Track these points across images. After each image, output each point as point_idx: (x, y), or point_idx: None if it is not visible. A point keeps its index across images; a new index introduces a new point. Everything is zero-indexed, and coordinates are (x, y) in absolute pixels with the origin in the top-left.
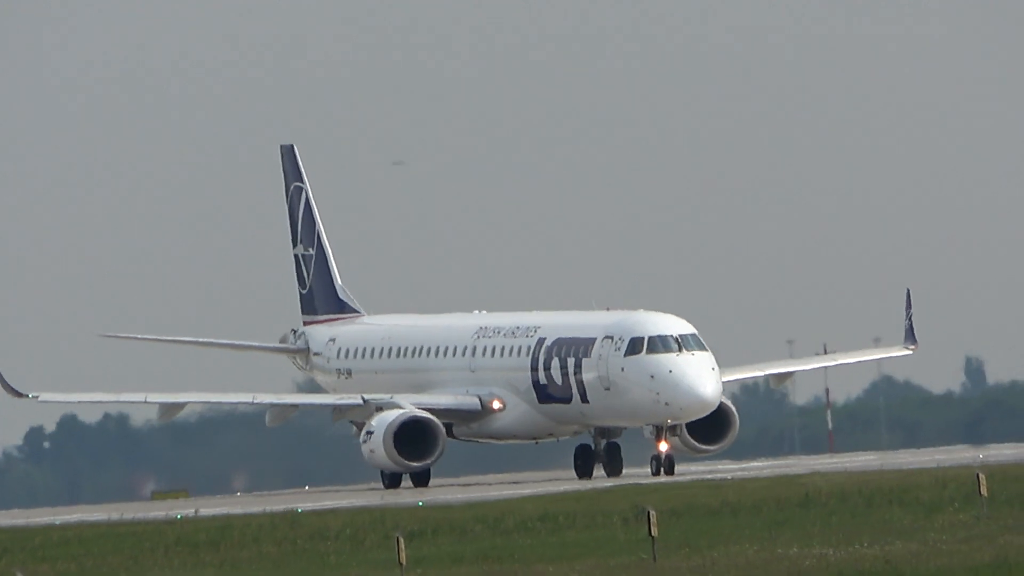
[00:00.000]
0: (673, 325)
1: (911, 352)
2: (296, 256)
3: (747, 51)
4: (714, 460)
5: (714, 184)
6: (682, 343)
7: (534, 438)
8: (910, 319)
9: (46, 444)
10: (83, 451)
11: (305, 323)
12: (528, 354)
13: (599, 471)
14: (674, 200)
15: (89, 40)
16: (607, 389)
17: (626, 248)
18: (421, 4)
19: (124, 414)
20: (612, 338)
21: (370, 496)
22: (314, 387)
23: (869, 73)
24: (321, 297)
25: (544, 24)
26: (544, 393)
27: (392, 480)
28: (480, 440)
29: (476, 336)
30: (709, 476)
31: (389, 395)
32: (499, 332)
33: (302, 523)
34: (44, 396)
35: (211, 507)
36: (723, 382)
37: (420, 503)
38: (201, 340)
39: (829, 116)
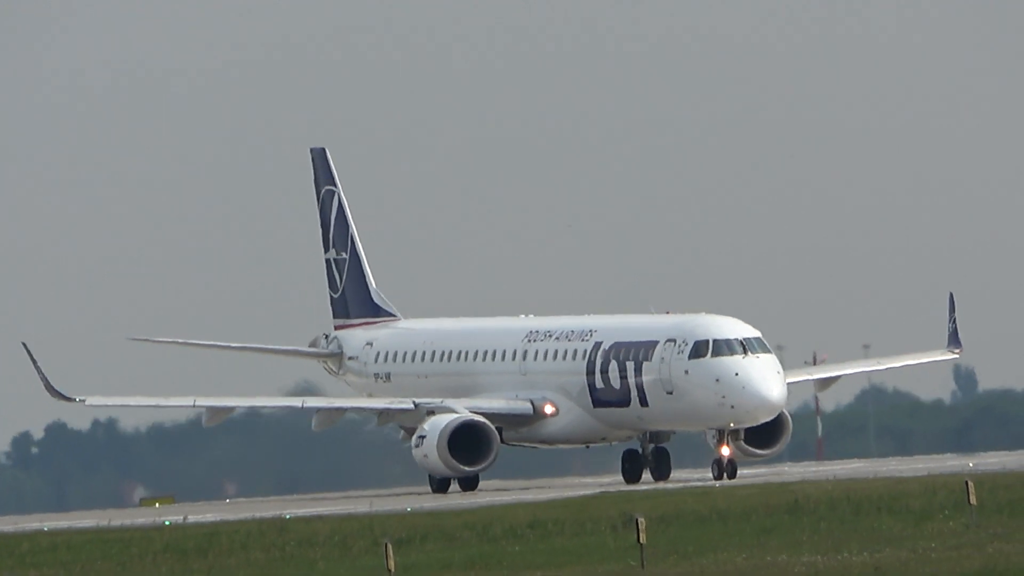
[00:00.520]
0: (737, 328)
1: (956, 356)
2: (328, 260)
3: (781, 50)
4: (769, 463)
5: (749, 187)
6: (747, 346)
7: (586, 443)
8: (954, 323)
9: (34, 450)
10: (72, 457)
11: (337, 327)
12: (584, 358)
13: (646, 475)
14: (710, 203)
15: (122, 43)
16: (669, 393)
17: (663, 251)
18: (455, 6)
19: (113, 419)
20: (675, 341)
21: (358, 503)
22: (342, 391)
23: (896, 74)
24: (355, 301)
25: (584, 20)
26: (599, 397)
27: (440, 485)
28: (530, 445)
29: (526, 340)
30: (768, 479)
31: (440, 399)
32: (551, 335)
33: (290, 530)
34: (91, 400)
35: (199, 513)
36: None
37: (408, 509)
38: (231, 344)
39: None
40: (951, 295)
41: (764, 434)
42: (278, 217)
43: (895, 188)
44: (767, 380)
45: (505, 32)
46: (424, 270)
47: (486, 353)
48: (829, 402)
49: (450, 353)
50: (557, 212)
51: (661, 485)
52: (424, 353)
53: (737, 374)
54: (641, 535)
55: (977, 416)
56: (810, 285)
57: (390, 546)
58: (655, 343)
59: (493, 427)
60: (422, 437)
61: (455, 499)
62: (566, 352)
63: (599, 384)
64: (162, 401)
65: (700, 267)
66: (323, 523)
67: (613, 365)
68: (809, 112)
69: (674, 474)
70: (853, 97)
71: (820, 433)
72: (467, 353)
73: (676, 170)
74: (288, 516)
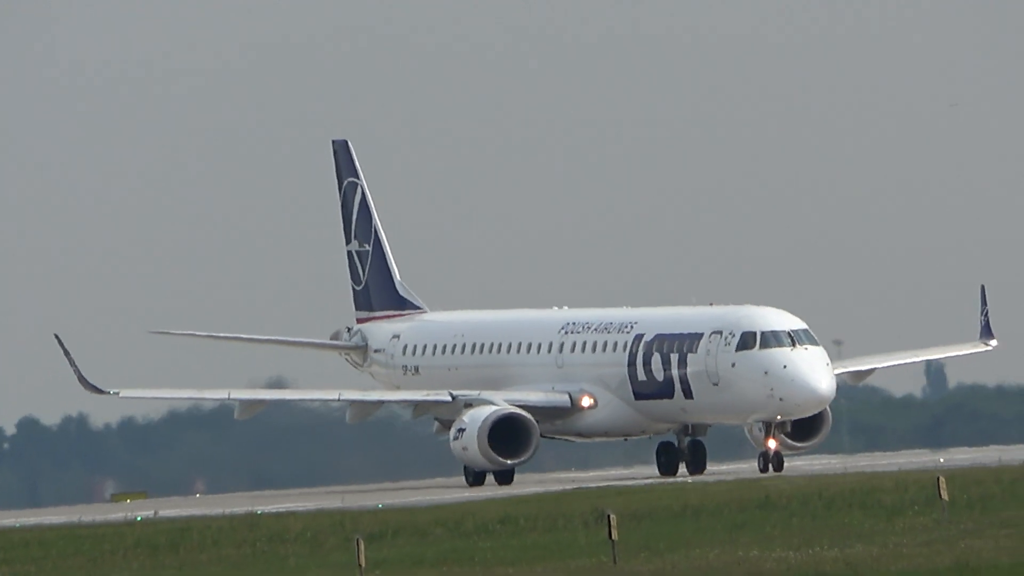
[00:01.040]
0: (785, 320)
1: (989, 348)
2: (350, 252)
3: (815, 39)
4: (809, 455)
5: (786, 179)
6: (795, 338)
7: (625, 435)
8: (986, 315)
9: (5, 446)
10: (43, 453)
11: (359, 320)
12: (625, 349)
13: (682, 468)
14: (745, 194)
15: (147, 34)
16: (715, 384)
17: (698, 243)
18: None
19: (84, 415)
20: (721, 333)
21: (330, 498)
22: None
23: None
24: (379, 293)
25: (616, 6)
26: (641, 389)
27: (477, 478)
28: (566, 438)
29: (563, 332)
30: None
31: (477, 391)
32: (589, 327)
33: (262, 525)
34: (125, 392)
35: (171, 509)
36: None
37: (379, 505)
38: (252, 337)
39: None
40: (983, 287)
41: (804, 427)
42: (299, 209)
43: (928, 182)
44: (816, 372)
45: (533, 19)
46: (449, 262)
47: (520, 345)
48: None
49: (482, 345)
50: (586, 201)
51: (683, 479)
52: (455, 345)
53: (786, 366)
54: (613, 531)
55: (948, 412)
56: (845, 277)
57: (361, 542)
58: (700, 335)
59: (533, 420)
60: (461, 430)
61: (429, 495)
62: (605, 344)
63: (641, 376)
64: (195, 393)
65: (737, 259)
66: (294, 519)
67: (656, 357)
68: (845, 103)
69: (709, 467)
70: (888, 88)
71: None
72: (500, 345)
73: (709, 161)
74: (260, 512)
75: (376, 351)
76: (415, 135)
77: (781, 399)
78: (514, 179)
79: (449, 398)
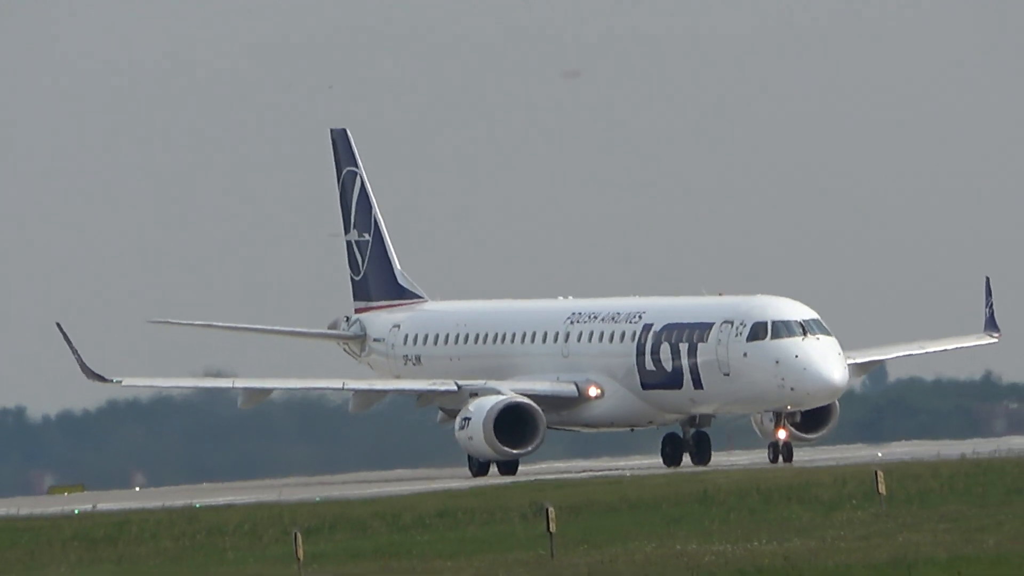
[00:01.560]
0: (796, 310)
1: (995, 340)
2: (349, 242)
3: (824, 31)
4: (813, 447)
5: (793, 167)
6: (807, 328)
7: (631, 426)
8: (991, 307)
9: None
10: None
11: (358, 310)
12: (633, 339)
13: (687, 459)
14: (751, 184)
15: (141, 23)
16: (726, 375)
17: (705, 233)
18: None
19: (21, 407)
20: (732, 323)
21: (268, 492)
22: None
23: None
24: (378, 283)
25: (609, 2)
26: (649, 379)
27: (481, 468)
28: (572, 428)
29: (569, 321)
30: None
31: (483, 381)
32: (596, 317)
33: (200, 518)
34: (128, 381)
35: (109, 502)
36: None
37: (317, 499)
38: (250, 326)
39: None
40: (987, 279)
41: (812, 418)
42: (298, 199)
43: (936, 173)
44: (828, 362)
45: (535, 7)
46: (450, 251)
47: (524, 335)
48: None
49: (486, 335)
50: (593, 189)
51: (571, 476)
52: (458, 335)
53: (797, 356)
54: (551, 524)
55: (887, 406)
56: (850, 268)
57: (299, 535)
58: (711, 325)
59: (540, 409)
60: (467, 419)
61: (367, 488)
62: (613, 334)
63: (649, 366)
64: (199, 383)
65: (747, 248)
66: (233, 512)
67: (665, 347)
68: (854, 94)
69: (714, 458)
70: (898, 78)
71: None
72: (504, 335)
73: (719, 150)
74: (198, 505)
75: (375, 340)
76: (415, 123)
77: (792, 389)
78: (518, 166)
79: (455, 388)
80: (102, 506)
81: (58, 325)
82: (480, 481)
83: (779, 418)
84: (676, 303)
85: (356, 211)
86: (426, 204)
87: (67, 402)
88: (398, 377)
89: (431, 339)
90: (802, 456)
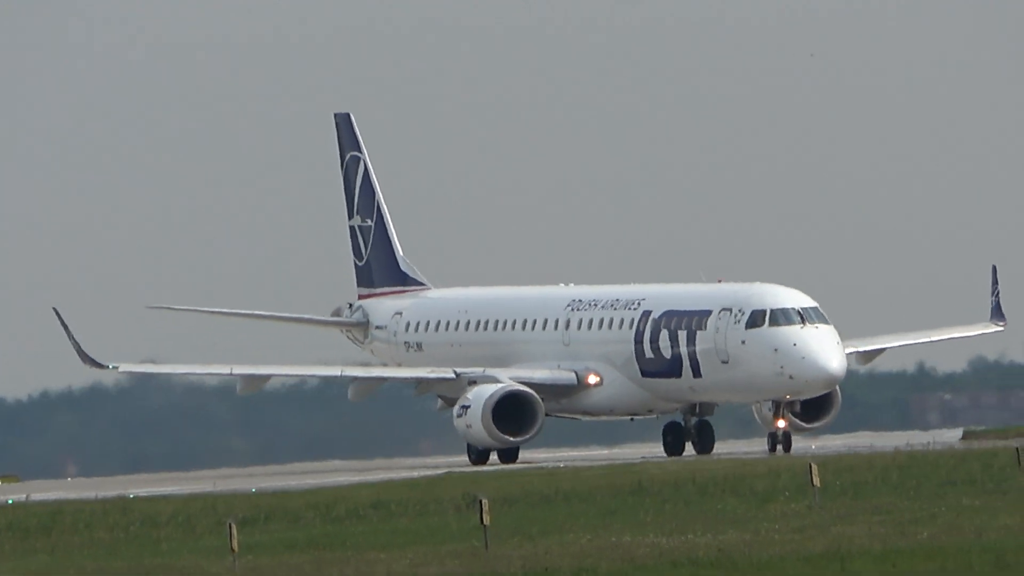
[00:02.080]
0: (795, 298)
1: (1001, 329)
2: (352, 228)
3: (822, 23)
4: (813, 436)
5: (789, 156)
6: (805, 316)
7: (631, 414)
8: (997, 296)
9: None
10: None
11: (361, 296)
12: (631, 327)
13: (689, 448)
14: (749, 172)
15: (140, 8)
16: (724, 363)
17: (705, 220)
18: None
19: None
20: (730, 311)
21: (203, 483)
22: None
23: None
24: (380, 270)
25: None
26: (648, 367)
27: (480, 456)
28: (571, 416)
29: (569, 308)
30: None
31: (482, 368)
32: (595, 304)
33: (134, 509)
34: (124, 367)
35: (43, 492)
36: None
37: (253, 490)
38: (251, 312)
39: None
40: (994, 268)
41: (814, 407)
42: (300, 184)
43: (940, 162)
44: (826, 351)
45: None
46: (453, 238)
47: (525, 322)
48: None
49: (487, 322)
50: (593, 177)
51: (508, 466)
52: (459, 322)
53: (796, 344)
54: (485, 516)
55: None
56: (855, 256)
57: (234, 526)
58: (709, 312)
59: (538, 397)
60: (465, 407)
61: (303, 480)
62: (612, 321)
63: (648, 354)
64: (196, 368)
65: (746, 236)
66: (167, 503)
67: (664, 334)
68: (855, 83)
69: (718, 446)
70: (899, 67)
71: None
72: (505, 322)
73: (718, 138)
74: (132, 495)
75: (378, 328)
76: (419, 108)
77: (791, 377)
78: (519, 154)
79: (453, 375)
80: (35, 496)
81: (55, 311)
82: (478, 468)
83: (778, 408)
84: (675, 290)
85: (359, 196)
86: (429, 190)
87: (2, 391)
88: (400, 364)
89: (432, 326)
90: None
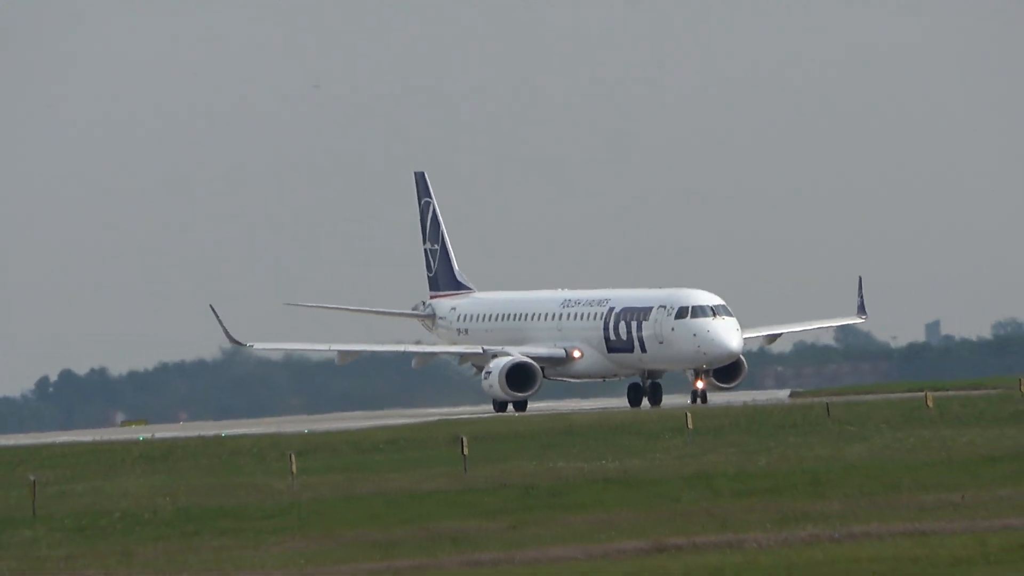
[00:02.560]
0: (709, 298)
1: (863, 321)
2: (425, 250)
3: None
4: (729, 393)
5: (727, 183)
6: (715, 311)
7: (603, 377)
8: (861, 298)
9: (51, 389)
10: (76, 393)
11: (431, 297)
12: (601, 319)
13: (645, 402)
14: (689, 205)
15: (258, 69)
16: (661, 343)
17: (656, 244)
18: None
19: (104, 367)
20: (665, 307)
21: (270, 427)
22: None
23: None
24: (443, 279)
25: (633, 36)
26: (612, 346)
27: (500, 407)
28: (564, 379)
29: (562, 306)
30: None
31: (501, 346)
32: (579, 303)
33: (224, 444)
34: (258, 345)
35: (163, 432)
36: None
37: (306, 431)
38: (359, 308)
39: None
40: (860, 278)
41: (729, 373)
42: (392, 219)
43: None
44: (728, 335)
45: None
46: (491, 256)
47: (534, 315)
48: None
49: (509, 315)
50: (585, 217)
51: (645, 408)
52: (491, 315)
53: (708, 331)
54: (465, 448)
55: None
56: (764, 266)
57: (293, 456)
58: (651, 308)
59: (538, 366)
60: (488, 372)
61: (338, 424)
62: (589, 315)
63: (612, 337)
64: (306, 346)
65: (680, 253)
66: (246, 440)
67: (622, 324)
68: (769, 129)
69: (665, 400)
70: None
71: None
72: (521, 315)
73: (665, 180)
74: (223, 434)
75: (440, 319)
76: (471, 169)
77: (705, 353)
78: (535, 204)
79: (481, 351)
80: (158, 435)
81: (211, 307)
82: (500, 415)
83: (697, 373)
84: (631, 293)
85: (429, 229)
86: (476, 225)
87: (135, 364)
88: (454, 343)
89: (475, 318)
90: (717, 399)
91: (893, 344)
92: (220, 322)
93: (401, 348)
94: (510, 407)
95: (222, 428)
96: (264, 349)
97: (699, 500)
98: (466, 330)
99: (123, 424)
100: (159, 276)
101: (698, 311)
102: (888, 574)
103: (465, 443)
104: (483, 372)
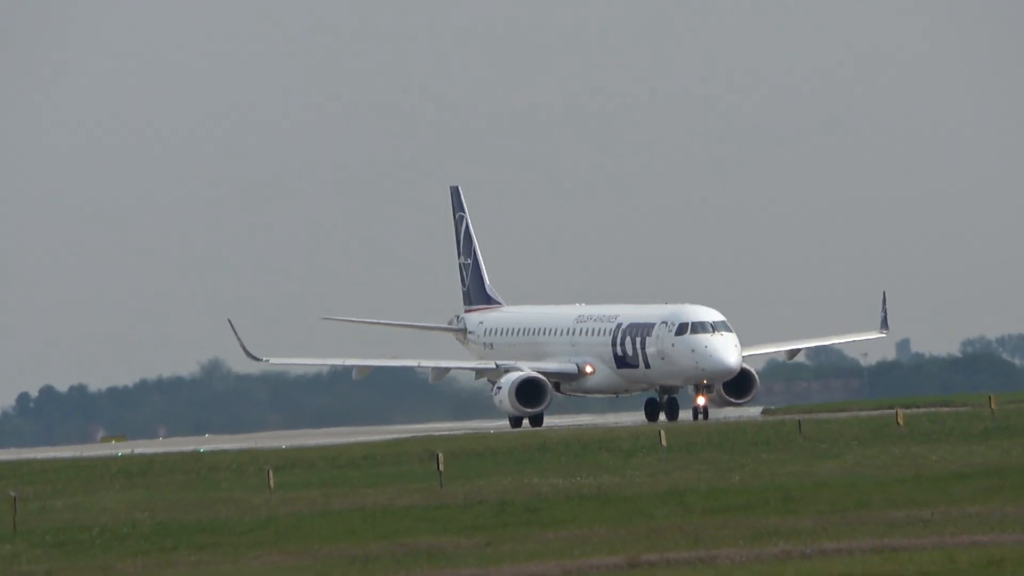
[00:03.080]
0: (709, 314)
1: (884, 336)
2: (460, 265)
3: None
4: (742, 408)
5: (747, 204)
6: (714, 327)
7: (615, 393)
8: (884, 312)
9: (31, 404)
10: (57, 409)
11: (465, 311)
12: (610, 334)
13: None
14: (697, 224)
15: (310, 93)
16: (662, 359)
17: (666, 262)
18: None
19: (84, 384)
20: (666, 323)
21: (247, 442)
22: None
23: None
24: (475, 293)
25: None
26: (621, 361)
27: (515, 422)
28: (578, 394)
29: (576, 321)
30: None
31: (514, 361)
32: (591, 319)
33: (202, 460)
34: (273, 360)
35: (141, 447)
36: (756, 355)
37: (283, 446)
38: (394, 322)
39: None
40: (884, 293)
41: (740, 388)
42: (428, 231)
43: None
44: (726, 351)
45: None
46: (523, 270)
47: (551, 330)
48: None
49: (529, 330)
50: (616, 232)
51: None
52: (513, 330)
53: (706, 347)
54: (440, 464)
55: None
56: (773, 281)
57: (270, 471)
58: (654, 324)
59: (548, 381)
60: (499, 388)
61: (314, 440)
62: (600, 330)
63: (619, 352)
64: (321, 360)
65: (689, 271)
66: (224, 455)
67: (628, 340)
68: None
69: (681, 415)
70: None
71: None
72: (540, 330)
73: (676, 199)
74: (201, 450)
75: (470, 333)
76: (503, 185)
77: (703, 369)
78: (559, 227)
79: (495, 366)
80: (137, 450)
81: (229, 321)
82: (511, 428)
83: (698, 389)
84: (637, 310)
85: (463, 243)
86: (509, 238)
87: (115, 380)
88: (482, 358)
89: (499, 332)
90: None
91: (863, 361)
92: (237, 337)
93: (415, 363)
94: (525, 422)
95: (200, 444)
96: (280, 364)
97: (672, 516)
98: (491, 344)
99: (103, 440)
100: (145, 291)
101: (697, 327)
102: None
103: (441, 459)
104: (494, 387)
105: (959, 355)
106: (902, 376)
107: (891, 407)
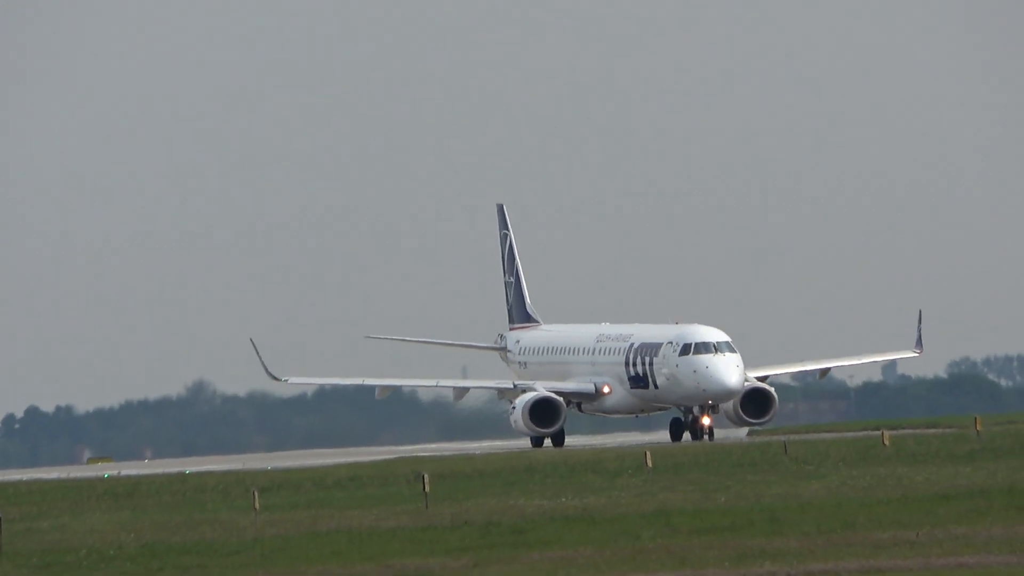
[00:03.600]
0: (713, 335)
1: (918, 354)
2: (505, 283)
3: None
4: (760, 429)
5: (759, 225)
6: (717, 347)
7: (632, 413)
8: (920, 331)
9: (17, 426)
10: (43, 430)
11: (510, 329)
12: (623, 354)
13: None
14: (711, 245)
15: (366, 117)
16: (668, 379)
17: (679, 282)
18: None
19: (70, 405)
20: (672, 343)
21: (234, 463)
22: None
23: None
24: (517, 311)
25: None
26: (634, 381)
27: (536, 441)
28: (599, 414)
29: (597, 341)
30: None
31: (532, 381)
32: (610, 338)
33: (188, 481)
34: (293, 379)
35: (128, 469)
36: (775, 375)
37: (269, 467)
38: (438, 340)
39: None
40: (920, 312)
41: (759, 408)
42: (475, 246)
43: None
44: (728, 372)
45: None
46: (558, 291)
47: (573, 350)
48: None
49: (556, 349)
50: (622, 263)
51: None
52: (544, 349)
53: (708, 367)
54: (426, 486)
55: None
56: (787, 299)
57: (256, 493)
58: (661, 344)
59: (562, 401)
60: (514, 407)
61: (300, 461)
62: (616, 350)
63: (631, 372)
64: (337, 380)
65: (702, 291)
66: (210, 476)
67: (638, 359)
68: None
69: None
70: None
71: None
72: (565, 349)
73: (685, 231)
74: (187, 471)
75: (508, 351)
76: (547, 202)
77: (704, 389)
78: (593, 249)
79: (512, 386)
80: (123, 472)
81: (251, 340)
82: (531, 448)
83: (703, 409)
84: (648, 330)
85: (506, 261)
86: (549, 257)
87: (101, 401)
88: (519, 377)
89: (532, 351)
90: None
91: (850, 383)
92: (259, 356)
93: (434, 383)
94: (547, 442)
95: (186, 465)
96: (298, 383)
97: (658, 537)
98: (525, 363)
99: (89, 461)
100: (130, 312)
101: (701, 347)
102: None
103: (426, 480)
104: (509, 407)
105: (945, 376)
106: (889, 397)
107: (877, 428)
